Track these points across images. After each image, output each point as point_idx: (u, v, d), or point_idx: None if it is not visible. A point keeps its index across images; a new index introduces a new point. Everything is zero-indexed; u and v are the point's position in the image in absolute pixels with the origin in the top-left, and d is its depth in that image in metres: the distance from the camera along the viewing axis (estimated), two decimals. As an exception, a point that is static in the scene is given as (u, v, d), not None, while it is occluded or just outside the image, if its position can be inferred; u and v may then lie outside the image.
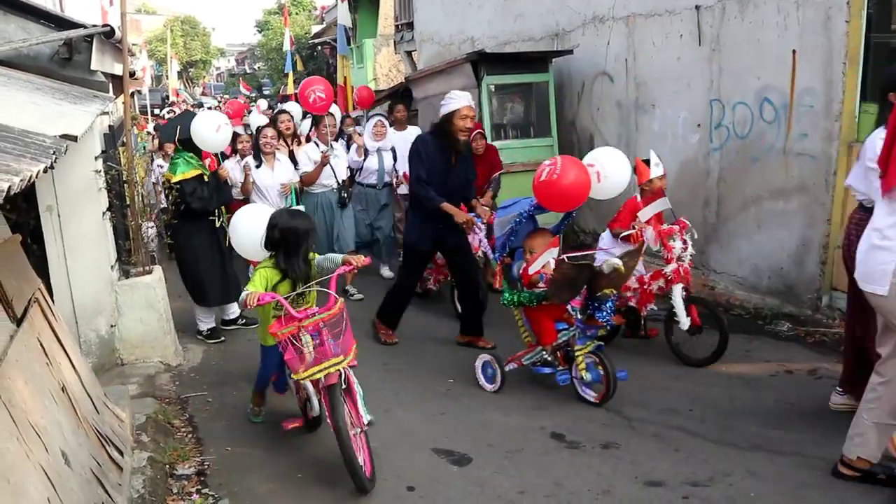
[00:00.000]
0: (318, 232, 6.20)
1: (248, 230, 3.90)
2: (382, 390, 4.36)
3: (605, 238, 4.82)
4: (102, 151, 4.84)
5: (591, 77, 7.48)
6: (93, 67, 4.52)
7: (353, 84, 11.54)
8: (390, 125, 7.05)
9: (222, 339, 5.53)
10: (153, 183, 8.20)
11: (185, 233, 5.33)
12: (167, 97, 25.15)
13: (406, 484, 3.32)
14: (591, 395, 4.08)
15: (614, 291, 3.97)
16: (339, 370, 3.22)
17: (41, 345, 2.91)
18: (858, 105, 4.85)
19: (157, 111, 19.56)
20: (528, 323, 4.29)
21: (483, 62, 7.30)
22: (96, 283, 4.62)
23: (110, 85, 4.95)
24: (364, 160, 6.76)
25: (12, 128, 3.03)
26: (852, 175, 3.39)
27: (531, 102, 7.81)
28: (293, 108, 8.51)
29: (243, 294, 3.29)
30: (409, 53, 15.08)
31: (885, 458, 3.02)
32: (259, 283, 3.41)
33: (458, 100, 4.72)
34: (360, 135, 7.00)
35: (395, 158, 6.88)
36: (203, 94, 40.06)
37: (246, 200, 5.93)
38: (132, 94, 5.81)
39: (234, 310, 5.70)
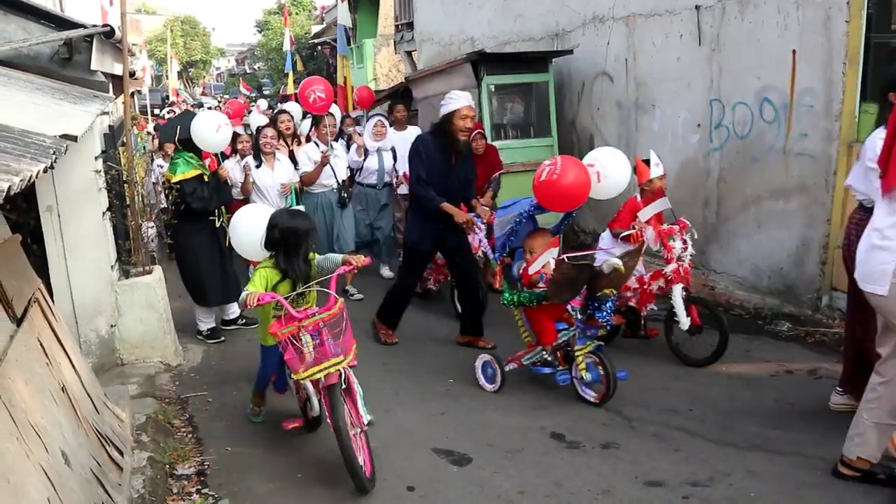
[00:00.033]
0: (318, 232, 6.22)
1: (248, 230, 3.90)
2: (382, 390, 4.36)
3: (605, 238, 4.82)
4: (102, 151, 4.84)
5: (591, 77, 7.48)
6: (93, 67, 4.52)
7: (353, 84, 11.54)
8: (390, 125, 7.05)
9: (222, 339, 5.53)
10: (153, 183, 8.20)
11: (185, 233, 5.33)
12: (167, 97, 25.15)
13: (406, 484, 3.32)
14: (591, 395, 4.08)
15: (614, 291, 3.96)
16: (339, 370, 3.22)
17: (41, 345, 2.91)
18: (858, 105, 4.85)
19: (157, 111, 19.56)
20: (528, 323, 4.29)
21: (483, 62, 7.30)
22: (96, 283, 4.62)
23: (110, 85, 4.95)
24: (364, 160, 6.77)
25: (12, 128, 3.03)
26: (852, 175, 3.39)
27: (531, 102, 7.81)
28: (293, 108, 8.51)
29: (243, 294, 3.29)
30: (409, 53, 15.08)
31: (885, 457, 3.02)
32: (259, 284, 3.41)
33: (458, 100, 4.72)
34: (360, 135, 7.00)
35: (395, 158, 6.87)
36: (203, 94, 40.06)
37: (246, 200, 5.92)
38: (132, 94, 5.81)
39: (234, 310, 5.70)
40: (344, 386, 3.24)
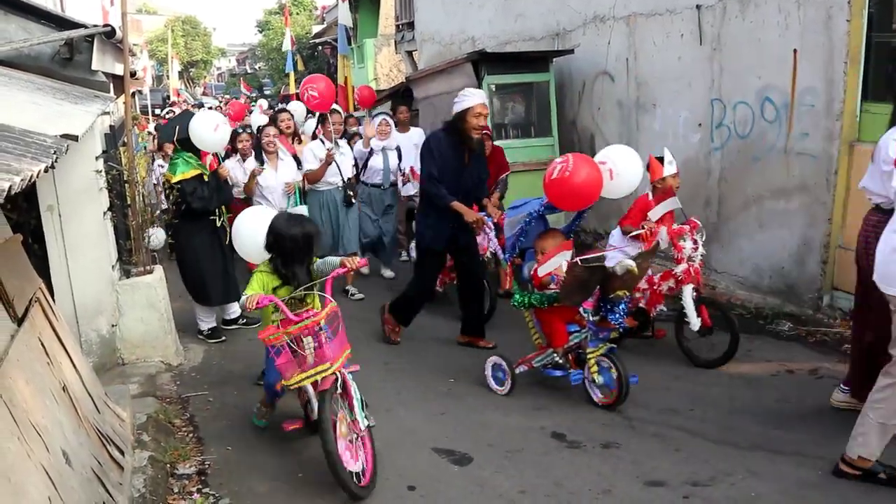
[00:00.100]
0: (322, 231, 6.20)
1: (250, 233, 3.88)
2: (384, 390, 4.36)
3: (615, 235, 4.75)
4: (103, 151, 4.84)
5: (592, 76, 7.47)
6: (94, 67, 4.53)
7: (353, 84, 11.56)
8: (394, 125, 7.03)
9: (223, 338, 5.53)
10: (153, 184, 8.19)
11: (185, 232, 5.33)
12: (168, 97, 25.14)
13: (407, 483, 3.32)
14: (601, 397, 4.01)
15: (627, 293, 3.87)
16: (335, 375, 3.20)
17: (42, 344, 2.91)
18: (860, 104, 4.85)
19: (157, 111, 19.56)
20: (539, 325, 4.22)
21: (484, 62, 7.30)
22: (97, 282, 4.63)
23: (111, 85, 4.96)
24: (368, 158, 6.74)
25: (13, 127, 3.04)
26: (867, 177, 3.35)
27: (532, 102, 7.80)
28: (297, 107, 8.52)
29: (243, 298, 3.29)
30: (409, 53, 15.08)
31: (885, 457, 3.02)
32: (257, 287, 3.40)
33: (471, 97, 4.66)
34: (360, 135, 7.00)
35: (399, 158, 6.85)
36: (204, 94, 40.06)
37: (248, 200, 5.92)
38: (133, 95, 5.81)
39: (234, 309, 5.70)
40: (340, 391, 3.22)
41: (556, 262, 4.05)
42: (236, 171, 5.97)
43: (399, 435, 3.80)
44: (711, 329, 4.44)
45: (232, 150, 6.24)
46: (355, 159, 6.62)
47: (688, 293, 4.39)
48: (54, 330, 3.19)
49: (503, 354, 4.36)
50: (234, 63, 61.27)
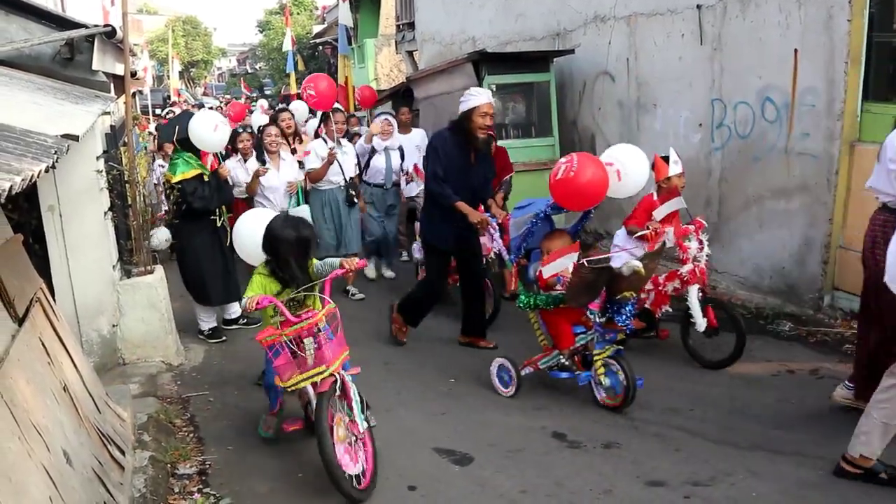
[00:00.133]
0: (325, 229, 6.18)
1: (250, 234, 3.88)
2: (384, 390, 4.36)
3: (620, 235, 4.73)
4: (104, 151, 4.84)
5: (593, 77, 7.47)
6: (94, 67, 4.53)
7: (354, 84, 11.56)
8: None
9: (224, 338, 5.53)
10: (154, 184, 8.20)
11: (186, 232, 5.33)
12: (168, 97, 25.16)
13: (407, 483, 3.31)
14: (607, 399, 3.97)
15: (634, 294, 3.82)
16: (333, 377, 3.19)
17: (43, 344, 2.92)
18: (860, 104, 4.84)
19: (158, 111, 19.58)
20: (545, 326, 4.17)
21: (484, 62, 7.30)
22: (98, 282, 4.63)
23: (112, 85, 4.96)
24: (371, 158, 6.73)
25: (14, 127, 3.04)
26: (874, 177, 3.34)
27: (532, 102, 7.81)
28: (299, 106, 8.51)
29: (244, 300, 3.29)
30: (410, 53, 15.08)
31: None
32: (257, 289, 3.39)
33: (478, 96, 4.63)
34: (360, 136, 6.99)
35: (402, 157, 6.84)
36: (205, 94, 40.10)
37: (249, 199, 5.92)
38: (133, 95, 5.81)
39: (235, 309, 5.70)
40: (339, 393, 3.21)
41: (563, 264, 3.99)
42: (238, 171, 5.97)
43: (399, 435, 3.80)
44: (718, 330, 4.40)
45: (233, 150, 6.24)
46: (357, 157, 6.60)
47: (693, 294, 4.36)
48: (55, 330, 3.19)
49: (509, 356, 4.30)
50: (234, 63, 61.30)
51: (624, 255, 4.19)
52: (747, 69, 5.55)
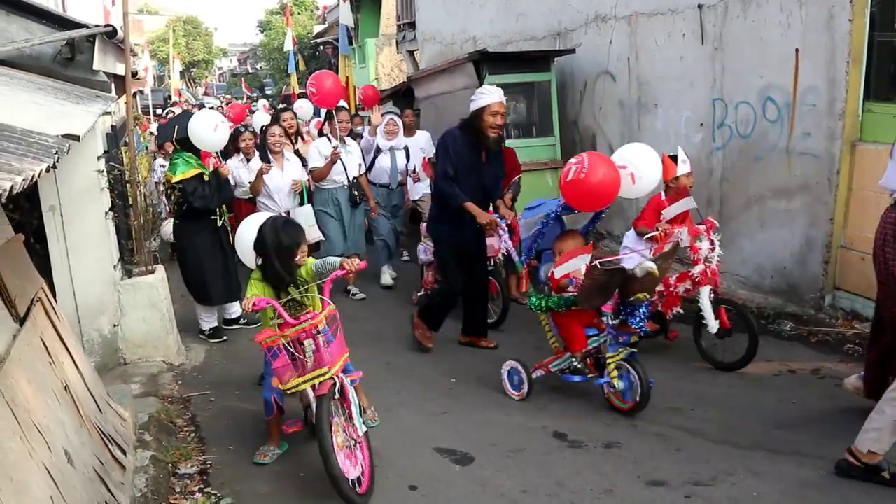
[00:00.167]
0: (332, 228, 6.16)
1: (251, 238, 3.88)
2: (385, 389, 4.36)
3: (630, 237, 4.68)
4: (105, 151, 4.84)
5: (594, 76, 7.47)
6: (95, 67, 4.53)
7: (355, 84, 11.57)
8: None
9: (224, 338, 5.53)
10: (155, 183, 8.20)
11: (187, 232, 5.34)
12: (169, 97, 25.18)
13: (408, 483, 3.31)
14: (620, 403, 3.91)
15: (647, 296, 3.73)
16: (332, 380, 3.18)
17: (44, 344, 2.92)
18: (862, 104, 4.84)
19: (158, 111, 19.59)
20: (556, 328, 4.11)
21: (485, 62, 7.29)
22: (99, 282, 4.63)
23: (113, 85, 4.96)
24: (376, 157, 6.72)
25: (15, 127, 3.04)
26: (887, 175, 3.32)
27: (533, 102, 7.81)
28: (303, 104, 8.51)
29: (244, 301, 3.29)
30: (411, 53, 15.09)
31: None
32: (257, 292, 3.39)
33: (488, 95, 4.58)
34: (361, 136, 6.99)
35: (407, 157, 6.82)
36: (205, 94, 40.15)
37: (252, 199, 5.91)
38: (134, 95, 5.80)
39: (235, 309, 5.70)
40: (338, 396, 3.19)
41: (575, 265, 3.91)
42: (240, 170, 5.96)
43: (399, 435, 3.80)
44: (730, 331, 4.35)
45: (234, 149, 6.23)
46: (362, 154, 6.58)
47: (705, 295, 4.32)
48: (56, 330, 3.20)
49: (520, 359, 4.23)
50: (235, 63, 61.34)
51: (635, 256, 4.14)
52: (748, 69, 5.54)
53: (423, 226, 5.77)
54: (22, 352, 2.60)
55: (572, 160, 3.87)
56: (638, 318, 3.73)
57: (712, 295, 4.37)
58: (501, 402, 4.19)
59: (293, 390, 3.24)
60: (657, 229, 4.38)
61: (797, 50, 5.09)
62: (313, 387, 3.23)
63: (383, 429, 3.79)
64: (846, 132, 4.85)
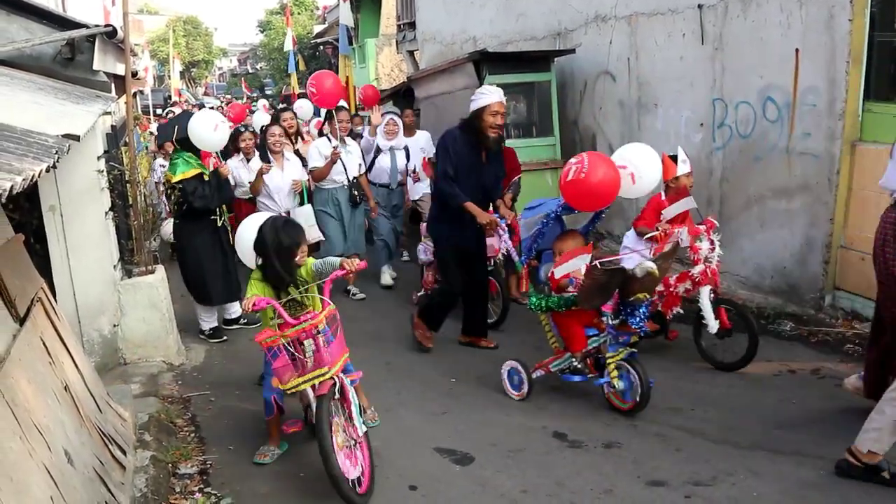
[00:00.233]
0: (333, 227, 6.16)
1: (251, 238, 3.88)
2: (385, 389, 4.36)
3: (630, 237, 4.68)
4: (105, 151, 4.85)
5: (594, 76, 7.47)
6: (95, 67, 4.53)
7: (355, 84, 11.57)
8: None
9: (224, 338, 5.53)
10: (155, 183, 8.20)
11: (187, 232, 5.34)
12: (169, 97, 25.19)
13: (408, 483, 3.32)
14: (619, 403, 3.91)
15: (647, 296, 3.72)
16: (332, 380, 3.17)
17: (44, 344, 2.92)
18: (862, 104, 4.84)
19: (158, 111, 19.60)
20: (556, 328, 4.11)
21: (485, 62, 7.29)
22: (99, 282, 4.63)
23: (113, 85, 4.96)
24: (376, 157, 6.72)
25: (15, 127, 3.04)
26: (887, 175, 3.32)
27: (533, 102, 7.81)
28: (303, 104, 8.50)
29: (244, 301, 3.29)
30: (411, 53, 15.09)
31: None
32: (257, 292, 3.39)
33: (488, 95, 4.58)
34: (361, 136, 6.98)
35: (408, 157, 6.82)
36: (205, 94, 40.15)
37: (252, 199, 5.91)
38: (134, 95, 5.81)
39: (235, 309, 5.70)
40: (338, 396, 3.19)
41: (575, 265, 3.91)
42: (240, 171, 5.96)
43: (399, 435, 3.80)
44: (730, 331, 4.36)
45: (234, 149, 6.23)
46: (362, 154, 6.58)
47: (705, 295, 4.32)
48: (56, 330, 3.20)
49: (520, 359, 4.23)
50: (235, 63, 61.34)
51: (635, 256, 4.14)
52: (748, 69, 5.54)
53: (423, 226, 5.77)
54: (22, 352, 2.60)
55: (572, 160, 3.87)
56: (638, 318, 3.73)
57: (712, 295, 4.38)
58: (501, 402, 4.19)
59: (293, 390, 3.24)
60: (657, 229, 4.38)
61: (797, 50, 5.09)
62: (313, 387, 3.23)
63: (383, 429, 3.79)
64: (846, 132, 4.85)
